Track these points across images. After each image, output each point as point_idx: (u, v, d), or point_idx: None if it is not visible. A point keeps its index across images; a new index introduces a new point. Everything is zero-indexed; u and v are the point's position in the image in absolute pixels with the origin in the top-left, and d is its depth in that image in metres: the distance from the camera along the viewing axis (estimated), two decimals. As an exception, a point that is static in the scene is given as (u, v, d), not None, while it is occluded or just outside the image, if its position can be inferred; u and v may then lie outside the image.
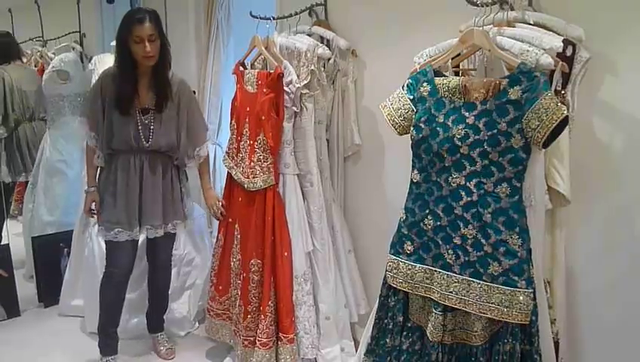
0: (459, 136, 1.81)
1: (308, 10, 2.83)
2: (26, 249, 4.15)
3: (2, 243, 3.72)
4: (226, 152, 2.80)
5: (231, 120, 2.77)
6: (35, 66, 4.51)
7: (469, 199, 1.82)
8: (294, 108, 2.52)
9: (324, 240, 2.63)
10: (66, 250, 3.70)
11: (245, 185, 2.58)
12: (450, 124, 1.84)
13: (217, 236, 2.87)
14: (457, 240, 1.86)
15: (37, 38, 5.10)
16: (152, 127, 2.61)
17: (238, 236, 2.67)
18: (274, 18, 2.71)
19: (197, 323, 3.41)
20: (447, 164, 1.86)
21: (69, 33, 4.62)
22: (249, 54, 2.73)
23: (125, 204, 2.64)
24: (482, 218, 1.80)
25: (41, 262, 3.70)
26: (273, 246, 2.53)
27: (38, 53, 4.67)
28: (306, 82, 2.47)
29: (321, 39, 2.75)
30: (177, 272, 3.32)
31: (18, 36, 5.26)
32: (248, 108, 2.60)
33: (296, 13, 2.75)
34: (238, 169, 2.67)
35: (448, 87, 1.86)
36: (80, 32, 4.61)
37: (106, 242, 2.71)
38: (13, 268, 3.56)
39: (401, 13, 2.54)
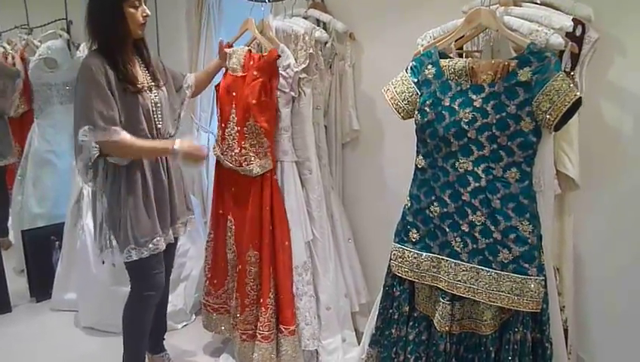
0: (466, 120, 1.75)
1: (304, -7, 2.74)
2: (15, 242, 4.06)
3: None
4: (215, 140, 2.71)
5: (216, 107, 2.68)
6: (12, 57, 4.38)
7: (477, 185, 1.77)
8: (292, 93, 2.44)
9: (324, 229, 2.57)
10: (57, 242, 3.61)
11: (241, 172, 2.49)
12: (456, 107, 1.77)
13: (209, 229, 2.79)
14: (465, 228, 1.80)
15: (22, 26, 4.96)
16: (159, 105, 2.31)
17: (232, 228, 2.60)
18: (269, 0, 2.62)
19: (193, 316, 3.35)
20: (453, 149, 1.80)
21: (56, 20, 4.48)
22: (239, 38, 2.64)
23: (160, 206, 2.34)
24: (491, 204, 1.74)
25: (32, 255, 3.62)
26: (272, 236, 2.46)
27: (24, 42, 4.55)
28: (304, 66, 2.39)
29: (318, 22, 2.67)
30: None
31: (2, 24, 5.15)
32: (234, 93, 2.51)
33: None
34: (226, 157, 2.58)
35: (454, 69, 1.80)
36: (67, 19, 4.46)
37: (137, 262, 2.29)
38: (3, 263, 3.46)
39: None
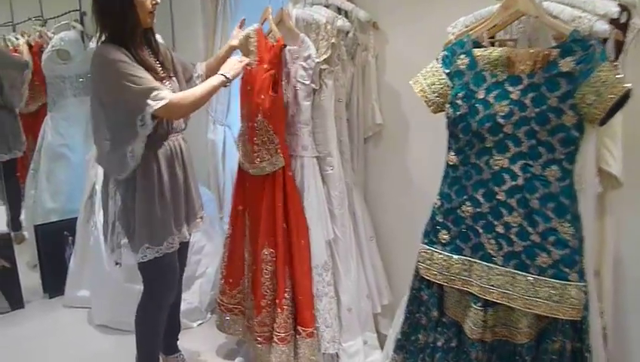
0: (502, 114, 1.63)
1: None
2: (29, 236, 4.01)
3: (4, 231, 3.55)
4: (238, 135, 2.61)
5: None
6: (30, 47, 4.31)
7: (513, 183, 1.64)
8: (313, 86, 2.33)
9: (346, 228, 2.46)
10: (70, 238, 3.55)
11: (250, 171, 2.40)
12: (491, 100, 1.65)
13: (228, 225, 2.70)
14: (500, 229, 1.68)
15: (36, 18, 4.90)
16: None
17: (248, 224, 2.50)
18: (287, -13, 2.51)
19: (209, 314, 3.27)
20: (488, 145, 1.68)
21: (69, 12, 4.41)
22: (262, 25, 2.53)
23: (175, 202, 2.27)
24: (529, 204, 1.62)
25: (45, 251, 3.56)
26: (287, 234, 2.36)
27: (37, 33, 4.48)
28: (325, 57, 2.28)
29: (339, 11, 2.55)
30: (188, 261, 3.16)
31: (17, 15, 5.10)
32: (249, 87, 2.41)
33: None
34: (243, 153, 2.50)
35: (489, 59, 1.67)
36: (80, 10, 4.39)
37: (151, 262, 2.22)
38: (15, 258, 3.41)
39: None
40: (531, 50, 1.61)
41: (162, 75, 2.22)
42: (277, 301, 2.40)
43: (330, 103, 2.37)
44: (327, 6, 2.54)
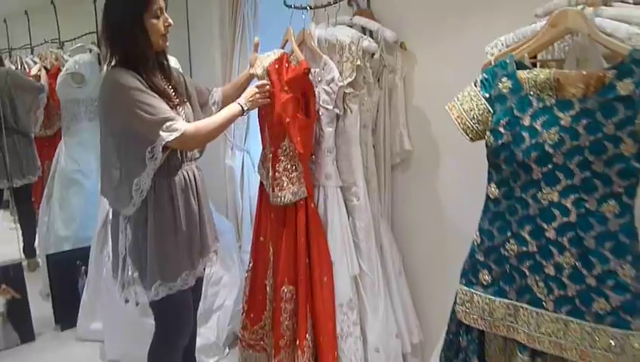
0: (551, 142, 1.46)
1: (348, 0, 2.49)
2: (41, 265, 3.89)
3: (15, 260, 3.43)
4: (260, 159, 2.47)
5: (259, 123, 2.45)
6: (47, 70, 4.25)
7: (565, 220, 1.47)
8: (336, 111, 2.18)
9: (373, 262, 2.29)
10: (83, 268, 3.42)
11: (271, 199, 2.24)
12: (539, 127, 1.49)
13: (249, 257, 2.54)
14: (550, 270, 1.50)
15: (53, 40, 4.85)
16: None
17: (271, 258, 2.34)
18: (310, 7, 2.38)
19: (227, 349, 3.10)
20: (535, 177, 1.51)
21: (86, 34, 4.35)
22: (284, 47, 2.40)
23: (190, 235, 2.11)
24: (583, 243, 1.44)
25: (57, 281, 3.44)
26: (309, 270, 2.19)
27: (54, 56, 4.42)
28: (350, 80, 2.14)
29: (364, 31, 2.41)
30: (204, 293, 3.00)
31: (34, 38, 5.07)
32: (263, 112, 2.28)
33: (335, 2, 2.40)
34: (266, 180, 2.36)
35: (535, 81, 1.51)
36: (97, 32, 4.33)
37: (164, 300, 2.07)
38: (26, 289, 3.28)
39: (459, -2, 2.19)
40: (584, 72, 1.45)
41: (176, 102, 2.09)
42: (297, 342, 2.23)
43: (356, 129, 2.22)
44: (350, 26, 2.41)
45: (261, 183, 2.46)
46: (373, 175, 2.37)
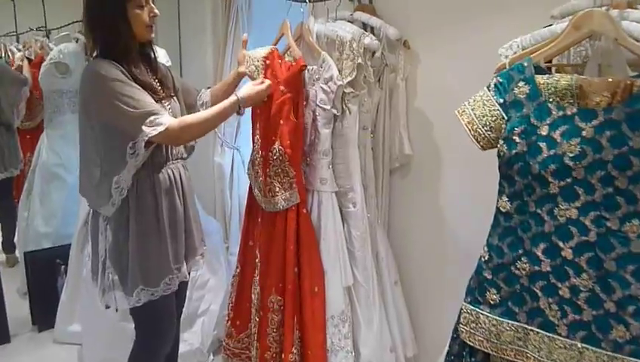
0: (571, 155, 1.34)
1: (348, -7, 2.35)
2: (20, 262, 3.74)
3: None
4: (250, 160, 2.33)
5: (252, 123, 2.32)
6: (30, 60, 4.09)
7: (583, 238, 1.35)
8: (334, 111, 2.05)
9: (368, 272, 2.17)
10: (63, 267, 3.26)
11: (263, 206, 2.11)
12: (558, 137, 1.37)
13: (236, 262, 2.41)
14: (565, 293, 1.39)
15: (39, 28, 4.68)
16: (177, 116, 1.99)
17: (259, 265, 2.21)
18: (310, 0, 2.24)
19: (211, 356, 2.96)
20: (552, 191, 1.39)
21: (73, 22, 4.18)
22: (278, 41, 2.26)
23: (174, 237, 1.98)
24: (603, 265, 1.33)
25: (35, 280, 3.27)
26: (298, 280, 2.05)
27: (39, 44, 4.25)
28: (350, 79, 2.00)
29: (364, 27, 2.28)
30: (189, 296, 2.86)
31: (20, 26, 4.90)
32: (258, 110, 2.14)
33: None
34: (255, 183, 2.22)
35: (556, 88, 1.39)
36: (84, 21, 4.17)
37: (146, 305, 1.95)
38: (2, 288, 3.13)
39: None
40: (609, 79, 1.33)
41: (161, 95, 1.96)
42: (283, 355, 2.10)
43: (354, 131, 2.09)
44: (351, 22, 2.28)
45: (250, 186, 2.33)
46: (371, 180, 2.24)
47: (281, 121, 1.99)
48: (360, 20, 2.28)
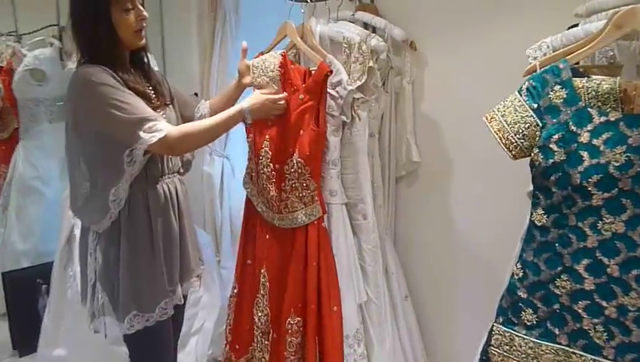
0: (617, 164, 1.24)
1: (348, -7, 2.22)
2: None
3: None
4: (247, 172, 2.19)
5: (247, 132, 2.16)
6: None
7: (631, 255, 1.25)
8: (343, 118, 1.92)
9: (379, 288, 2.04)
10: (44, 286, 3.07)
11: (276, 222, 1.97)
12: (601, 145, 1.26)
13: (233, 282, 2.26)
14: (611, 313, 1.29)
15: (10, 33, 4.45)
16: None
17: (267, 284, 2.06)
18: (311, 0, 2.11)
19: (207, 377, 2.82)
20: (595, 204, 1.29)
21: (47, 27, 3.98)
22: (275, 45, 2.12)
23: (169, 258, 1.84)
24: (654, 282, 1.23)
25: (15, 301, 3.08)
26: (319, 299, 1.92)
27: (10, 50, 4.02)
28: (359, 83, 1.88)
29: (366, 28, 2.16)
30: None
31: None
32: (270, 122, 1.99)
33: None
34: (261, 198, 2.08)
35: (597, 92, 1.29)
36: (59, 25, 3.96)
37: (141, 332, 1.80)
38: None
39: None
40: (658, 82, 1.23)
41: (156, 103, 1.81)
42: (304, 379, 1.97)
43: (364, 139, 1.96)
44: (352, 22, 2.15)
45: (249, 200, 2.19)
46: (380, 190, 2.12)
47: (302, 131, 1.85)
48: (361, 21, 2.17)
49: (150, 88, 1.84)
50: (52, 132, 3.29)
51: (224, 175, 3.16)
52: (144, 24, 1.76)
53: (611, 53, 1.55)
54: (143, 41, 1.80)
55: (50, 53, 3.35)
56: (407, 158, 2.17)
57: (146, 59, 1.87)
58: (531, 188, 1.65)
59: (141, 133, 1.63)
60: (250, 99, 1.90)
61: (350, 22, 2.15)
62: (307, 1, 2.08)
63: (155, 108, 1.77)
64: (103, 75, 1.65)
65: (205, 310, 2.86)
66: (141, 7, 1.74)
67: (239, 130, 2.19)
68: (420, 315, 2.27)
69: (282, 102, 1.92)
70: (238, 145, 3.16)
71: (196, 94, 2.42)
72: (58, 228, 2.99)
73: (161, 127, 1.66)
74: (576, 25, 1.57)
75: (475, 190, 2.08)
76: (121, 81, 1.68)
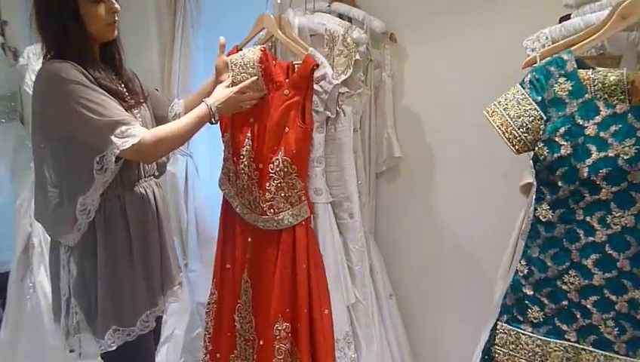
0: (626, 157, 1.22)
1: (321, -17, 2.14)
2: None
3: None
4: (223, 173, 2.09)
5: (223, 131, 2.05)
6: None
7: (641, 248, 1.24)
8: (328, 114, 1.85)
9: (366, 288, 1.98)
10: (-2, 299, 2.88)
11: (259, 224, 1.88)
12: (609, 138, 1.24)
13: (212, 287, 2.16)
14: (622, 307, 1.27)
15: (-57, 28, 4.16)
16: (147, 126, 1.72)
17: (249, 290, 1.97)
18: (286, -12, 2.02)
19: (179, 387, 2.70)
20: (604, 198, 1.26)
21: (-16, 18, 3.73)
22: (251, 39, 2.02)
23: (148, 266, 1.74)
24: (665, 276, 1.22)
25: (-36, 317, 2.87)
26: (310, 303, 1.84)
27: (-54, 46, 3.75)
28: (345, 77, 1.80)
29: (342, 19, 2.09)
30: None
31: None
32: (252, 119, 1.90)
33: (313, -14, 2.06)
34: (241, 200, 1.98)
35: (603, 83, 1.27)
36: (0, 19, 3.71)
37: (121, 350, 1.68)
38: None
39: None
40: (666, 73, 1.22)
41: (130, 102, 1.69)
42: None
43: (349, 135, 1.89)
44: (327, 13, 2.08)
45: (226, 201, 2.08)
46: (365, 188, 2.06)
47: (287, 128, 1.76)
48: (337, 12, 2.09)
49: (122, 86, 1.72)
50: (0, 133, 3.08)
51: (188, 175, 3.02)
52: (116, 17, 1.63)
53: (600, 44, 1.53)
54: (115, 33, 1.67)
55: (-7, 48, 3.13)
56: (389, 154, 2.12)
57: (117, 55, 1.74)
58: (524, 182, 1.64)
59: (113, 138, 1.51)
60: (214, 95, 1.78)
61: (326, 13, 2.07)
62: (280, -12, 1.98)
63: (129, 108, 1.66)
64: (73, 71, 1.52)
65: (174, 316, 2.74)
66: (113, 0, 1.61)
67: (207, 128, 2.08)
68: (405, 314, 2.23)
69: (251, 92, 1.81)
70: (200, 142, 3.04)
71: (156, 90, 2.28)
72: (9, 236, 2.81)
73: (135, 131, 1.54)
74: (567, 16, 1.55)
75: (459, 185, 2.05)
76: (92, 79, 1.56)
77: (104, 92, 1.56)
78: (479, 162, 1.99)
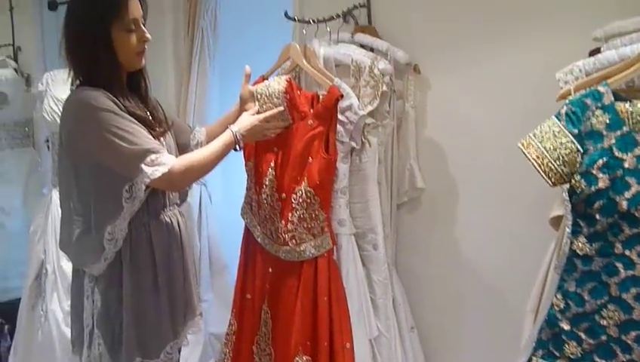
0: (666, 190, 1.21)
1: (344, 15, 2.15)
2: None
3: None
4: (245, 202, 2.07)
5: (246, 159, 2.04)
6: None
7: (684, 282, 1.22)
8: (353, 144, 1.84)
9: (390, 321, 1.95)
10: (6, 327, 2.83)
11: (281, 255, 1.86)
12: (648, 170, 1.23)
13: (231, 318, 2.12)
14: (665, 344, 1.25)
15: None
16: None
17: (269, 321, 1.93)
18: (313, 22, 2.03)
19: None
20: (644, 231, 1.25)
21: (1, 46, 3.76)
22: (277, 69, 2.03)
23: (172, 296, 1.71)
24: None
25: (-27, 344, 2.83)
26: (330, 336, 1.81)
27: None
28: (371, 108, 1.80)
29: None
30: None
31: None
32: (275, 148, 1.89)
33: (338, 16, 2.07)
34: (263, 229, 1.96)
35: (641, 116, 1.27)
36: (14, 44, 3.74)
37: None
38: None
39: (485, 13, 1.94)
40: None
41: (158, 131, 1.68)
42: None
43: (374, 166, 1.88)
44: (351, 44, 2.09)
45: (248, 230, 2.06)
46: (387, 218, 2.04)
47: (311, 159, 1.75)
48: (360, 43, 2.10)
49: (149, 114, 1.71)
50: (13, 158, 3.13)
51: (202, 204, 3.01)
52: (146, 46, 1.64)
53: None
54: (143, 62, 1.68)
55: (10, 75, 3.19)
56: (411, 185, 2.10)
57: (143, 83, 1.74)
58: (554, 214, 1.62)
59: (143, 166, 1.50)
60: (239, 122, 1.78)
61: (350, 44, 2.08)
62: (310, 22, 2.00)
63: (156, 137, 1.65)
64: (104, 99, 1.52)
65: (187, 347, 2.68)
66: (144, 28, 1.63)
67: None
68: (426, 348, 2.18)
69: (276, 121, 1.81)
70: (214, 171, 3.03)
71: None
72: (20, 262, 2.79)
73: (165, 160, 1.54)
74: (597, 49, 1.55)
75: (482, 217, 2.03)
76: (122, 107, 1.56)
77: (134, 120, 1.56)
78: (502, 194, 1.98)
